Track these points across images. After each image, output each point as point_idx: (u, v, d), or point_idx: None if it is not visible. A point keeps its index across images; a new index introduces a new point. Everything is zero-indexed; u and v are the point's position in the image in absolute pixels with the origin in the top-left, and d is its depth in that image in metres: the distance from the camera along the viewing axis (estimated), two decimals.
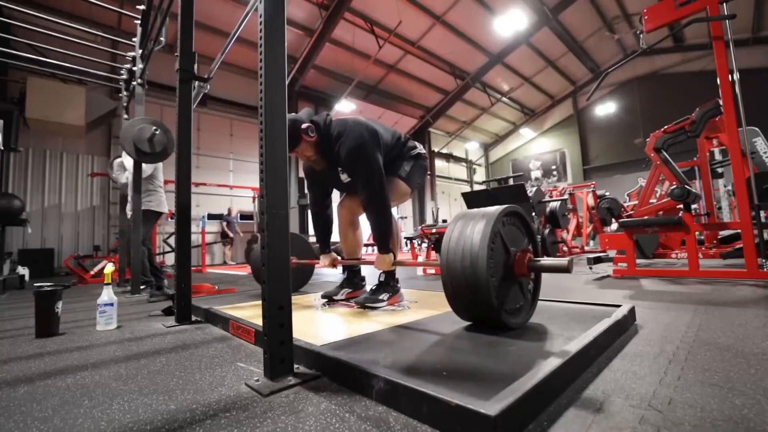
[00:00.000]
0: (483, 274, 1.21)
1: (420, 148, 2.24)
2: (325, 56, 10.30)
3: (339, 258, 2.26)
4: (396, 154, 2.10)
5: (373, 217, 1.91)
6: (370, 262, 2.02)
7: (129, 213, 3.77)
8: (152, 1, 3.49)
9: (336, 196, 2.35)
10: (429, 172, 15.51)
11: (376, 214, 1.89)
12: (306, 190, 2.34)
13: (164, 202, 3.89)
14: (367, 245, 9.06)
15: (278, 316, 1.10)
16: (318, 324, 1.67)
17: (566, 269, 1.26)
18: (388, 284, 2.06)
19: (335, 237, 2.35)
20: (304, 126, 1.86)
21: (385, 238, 1.91)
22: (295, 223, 10.55)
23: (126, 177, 3.93)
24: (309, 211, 2.33)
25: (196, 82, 2.40)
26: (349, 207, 2.25)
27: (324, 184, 2.25)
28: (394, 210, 2.06)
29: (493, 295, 1.22)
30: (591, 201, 7.10)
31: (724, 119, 2.99)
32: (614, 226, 6.03)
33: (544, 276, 1.96)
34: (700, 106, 3.46)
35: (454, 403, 0.75)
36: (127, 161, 3.76)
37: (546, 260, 1.36)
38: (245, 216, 10.50)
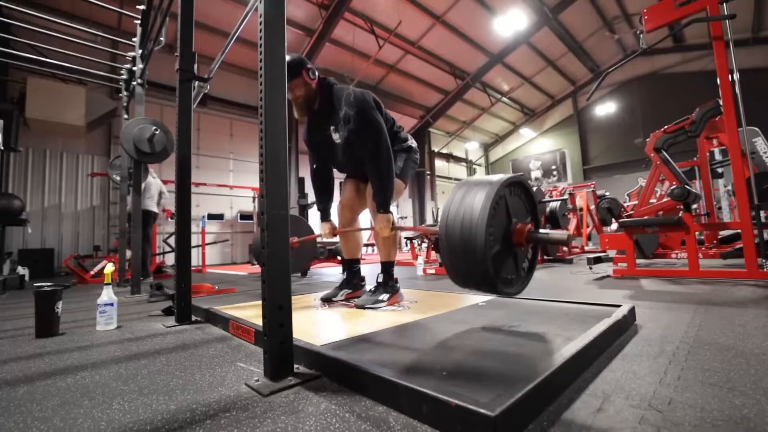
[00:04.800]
0: (481, 236, 1.17)
1: (411, 140, 2.23)
2: (325, 56, 10.30)
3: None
4: (390, 139, 2.07)
5: (378, 175, 1.91)
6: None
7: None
8: (152, 1, 3.49)
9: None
10: (429, 172, 15.53)
11: (382, 172, 1.90)
12: (311, 162, 2.31)
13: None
14: (366, 245, 9.07)
15: (278, 316, 1.10)
16: (318, 324, 1.67)
17: (565, 242, 1.26)
18: (387, 284, 2.06)
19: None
20: (309, 66, 1.92)
21: (387, 197, 1.92)
22: None
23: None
24: (311, 179, 2.32)
25: (196, 82, 2.40)
26: (351, 207, 2.25)
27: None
28: (393, 209, 2.07)
29: (489, 259, 1.19)
30: (591, 202, 7.10)
31: (724, 119, 2.99)
32: (614, 226, 6.03)
33: (544, 276, 1.96)
34: (700, 106, 3.46)
35: (454, 403, 0.75)
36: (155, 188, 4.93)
37: (544, 232, 1.35)
38: (245, 216, 10.51)
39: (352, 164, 2.14)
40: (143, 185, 4.77)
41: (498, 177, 1.30)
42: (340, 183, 2.37)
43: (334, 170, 2.34)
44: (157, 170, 8.39)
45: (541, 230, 1.37)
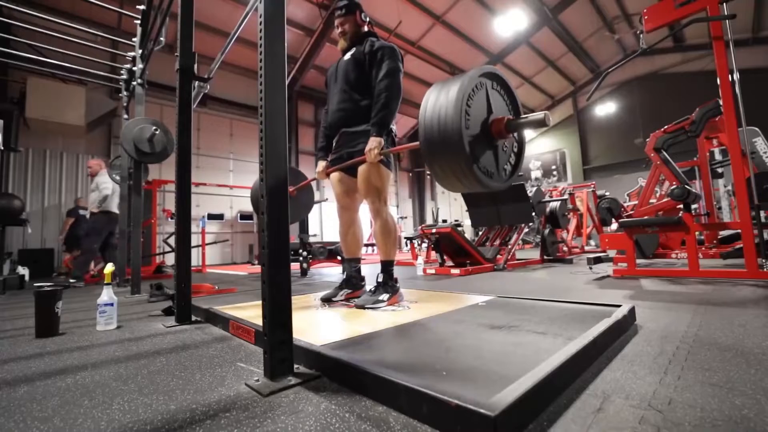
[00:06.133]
0: (457, 122, 1.16)
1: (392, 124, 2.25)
2: (325, 56, 10.30)
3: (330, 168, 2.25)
4: None
5: (387, 94, 2.01)
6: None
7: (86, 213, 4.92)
8: (152, 1, 3.50)
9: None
10: (429, 173, 15.54)
11: (392, 92, 2.02)
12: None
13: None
14: (366, 245, 9.08)
15: (278, 316, 1.10)
16: (318, 324, 1.67)
17: (543, 122, 1.25)
18: (387, 284, 2.06)
19: (335, 236, 2.35)
20: (364, 11, 2.22)
21: (387, 116, 1.98)
22: (295, 224, 10.53)
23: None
24: (322, 121, 2.45)
25: (196, 82, 2.40)
26: (348, 206, 2.25)
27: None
28: (393, 210, 2.07)
29: (466, 142, 1.18)
30: (591, 202, 7.10)
31: (724, 119, 2.99)
32: (614, 226, 6.03)
33: (545, 276, 1.95)
34: (700, 106, 3.46)
35: (454, 403, 0.75)
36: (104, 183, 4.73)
37: (524, 116, 1.34)
38: (245, 216, 10.51)
39: (345, 106, 2.16)
40: (111, 187, 4.67)
41: (473, 70, 1.30)
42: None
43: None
44: (157, 170, 8.44)
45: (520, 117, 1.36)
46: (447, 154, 1.22)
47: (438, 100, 1.23)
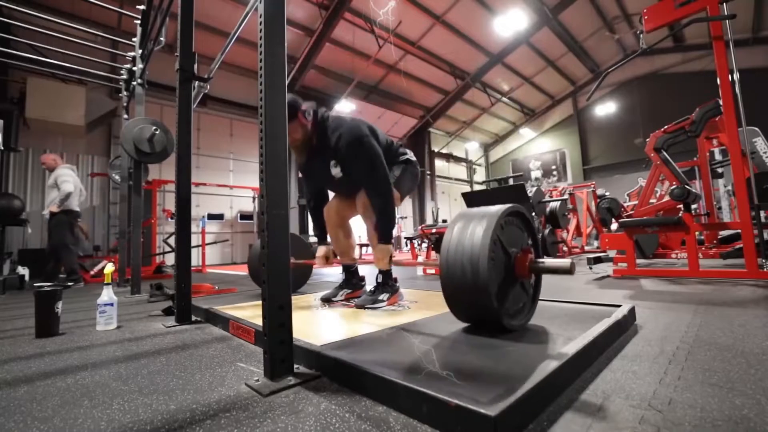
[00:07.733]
0: (483, 278, 1.19)
1: (410, 155, 2.24)
2: (325, 56, 10.30)
3: (336, 257, 2.24)
4: (388, 159, 2.09)
5: (379, 205, 1.92)
6: (368, 261, 2.02)
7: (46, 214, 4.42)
8: (152, 1, 3.49)
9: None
10: (429, 172, 15.53)
11: (382, 202, 1.91)
12: (306, 197, 2.37)
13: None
14: (361, 245, 9.07)
15: (278, 316, 1.10)
16: (318, 324, 1.67)
17: (568, 271, 1.25)
18: (387, 284, 2.06)
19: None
20: (303, 107, 1.90)
21: (388, 227, 1.92)
22: (295, 223, 10.56)
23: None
24: (307, 208, 2.37)
25: (196, 82, 2.40)
26: (337, 209, 2.24)
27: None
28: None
29: (493, 298, 1.21)
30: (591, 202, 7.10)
31: (724, 119, 2.99)
32: (614, 226, 6.03)
33: (545, 276, 1.95)
34: (700, 106, 3.46)
35: (454, 403, 0.75)
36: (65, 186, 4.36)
37: (547, 261, 1.34)
38: (245, 216, 10.51)
39: (352, 190, 2.13)
40: (74, 183, 4.41)
41: (495, 209, 1.31)
42: None
43: None
44: (157, 170, 8.44)
45: (543, 259, 1.37)
46: (473, 306, 1.26)
47: (462, 242, 1.26)
